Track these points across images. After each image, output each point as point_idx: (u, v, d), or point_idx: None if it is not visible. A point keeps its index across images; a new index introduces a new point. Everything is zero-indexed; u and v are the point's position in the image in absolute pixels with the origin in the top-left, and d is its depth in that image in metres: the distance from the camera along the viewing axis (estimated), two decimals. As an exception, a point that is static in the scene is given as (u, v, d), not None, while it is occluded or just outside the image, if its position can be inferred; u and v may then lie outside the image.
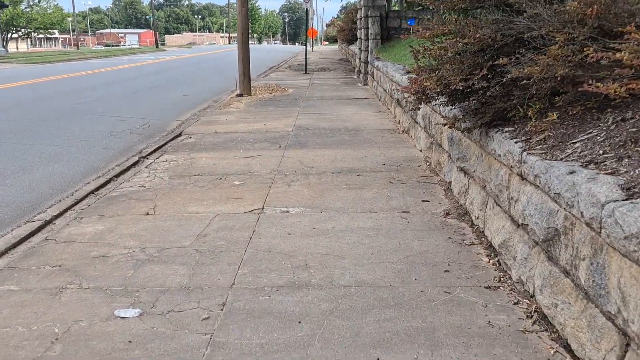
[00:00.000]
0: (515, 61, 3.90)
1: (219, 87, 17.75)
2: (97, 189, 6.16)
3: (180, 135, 9.51)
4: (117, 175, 6.74)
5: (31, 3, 64.16)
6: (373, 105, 13.07)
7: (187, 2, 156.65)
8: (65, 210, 5.34)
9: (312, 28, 48.98)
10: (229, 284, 3.71)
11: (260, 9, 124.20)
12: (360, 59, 19.15)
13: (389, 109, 11.98)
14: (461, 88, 4.06)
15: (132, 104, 13.88)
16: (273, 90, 16.38)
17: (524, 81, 3.62)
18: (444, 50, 4.28)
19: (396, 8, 24.11)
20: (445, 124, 4.47)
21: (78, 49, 66.25)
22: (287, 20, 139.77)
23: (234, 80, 15.76)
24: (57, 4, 67.81)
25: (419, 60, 4.79)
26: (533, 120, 3.85)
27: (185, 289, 3.65)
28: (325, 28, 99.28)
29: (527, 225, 3.46)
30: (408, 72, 10.57)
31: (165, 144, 8.68)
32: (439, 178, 6.25)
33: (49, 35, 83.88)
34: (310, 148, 8.21)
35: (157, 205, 5.45)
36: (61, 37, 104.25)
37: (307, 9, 23.96)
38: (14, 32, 64.16)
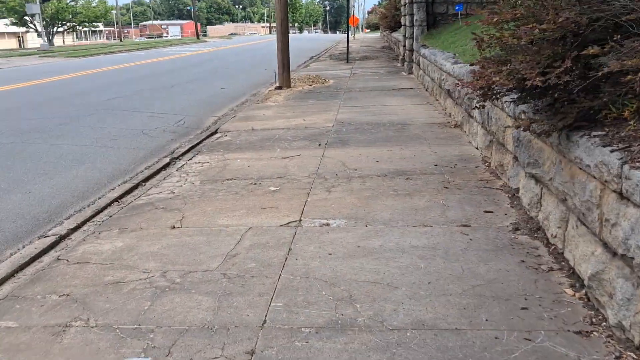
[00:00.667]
0: (610, 50, 3.14)
1: (258, 80, 17.24)
2: (122, 195, 5.69)
3: (215, 132, 9.00)
4: (146, 180, 6.26)
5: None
6: (420, 96, 12.26)
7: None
8: (84, 223, 4.87)
9: (353, 15, 48.03)
10: (259, 323, 3.12)
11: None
12: (404, 46, 18.28)
13: (437, 99, 11.17)
14: (540, 84, 3.31)
15: (168, 98, 13.50)
16: (313, 82, 15.75)
17: (629, 76, 2.85)
18: (517, 39, 3.52)
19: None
20: (518, 127, 3.72)
21: (121, 41, 67.11)
22: (327, 8, 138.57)
23: (273, 72, 15.19)
24: (101, -3, 68.92)
25: (483, 50, 4.06)
26: (632, 123, 3.09)
27: (209, 328, 3.08)
28: (366, 15, 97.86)
29: (633, 258, 2.72)
30: (457, 62, 9.76)
31: (199, 143, 8.18)
32: (502, 182, 5.49)
33: (93, 29, 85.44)
34: (353, 146, 7.55)
35: (184, 216, 4.91)
36: (105, 30, 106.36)
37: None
38: (59, 25, 65.55)
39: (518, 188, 4.90)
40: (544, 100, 3.83)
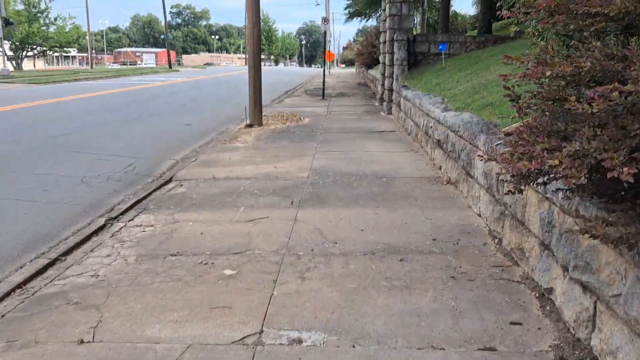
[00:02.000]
0: None
1: (228, 115, 16.00)
2: (30, 278, 4.31)
3: (169, 181, 7.69)
4: (68, 252, 4.90)
5: (47, 22, 63.72)
6: (402, 141, 11.19)
7: (204, 23, 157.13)
8: (-44, 331, 3.48)
9: (329, 51, 47.62)
10: None
11: (277, 30, 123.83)
12: (383, 85, 17.37)
13: (422, 147, 10.11)
14: (630, 180, 2.14)
15: (124, 135, 12.14)
16: (287, 120, 14.60)
17: None
18: (587, 106, 2.35)
19: (417, 32, 22.29)
20: (584, 232, 2.52)
21: (92, 67, 65.43)
22: (304, 42, 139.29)
23: (245, 108, 13.99)
24: (74, 23, 67.44)
25: (525, 115, 2.90)
26: None
27: None
28: (342, 51, 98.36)
29: None
30: (448, 109, 8.73)
31: (147, 196, 6.85)
32: (522, 272, 4.31)
33: (65, 54, 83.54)
34: (331, 205, 6.34)
35: (102, 320, 3.57)
36: (79, 56, 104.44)
37: (324, 31, 22.31)
38: (29, 50, 63.66)
39: (551, 289, 3.72)
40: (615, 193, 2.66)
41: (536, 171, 2.66)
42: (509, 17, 3.57)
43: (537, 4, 2.92)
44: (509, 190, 3.09)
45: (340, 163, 8.92)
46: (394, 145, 10.70)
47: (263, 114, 15.66)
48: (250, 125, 13.35)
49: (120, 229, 5.55)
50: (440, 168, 8.24)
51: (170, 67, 61.20)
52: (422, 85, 12.60)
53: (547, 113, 2.74)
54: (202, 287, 4.09)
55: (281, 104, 20.10)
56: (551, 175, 2.72)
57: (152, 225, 5.63)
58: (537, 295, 3.87)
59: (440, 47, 14.40)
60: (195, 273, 4.34)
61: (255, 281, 4.19)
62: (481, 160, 3.98)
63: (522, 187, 2.96)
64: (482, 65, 11.39)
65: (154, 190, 7.11)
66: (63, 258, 4.74)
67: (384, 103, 16.73)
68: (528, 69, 2.88)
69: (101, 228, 5.57)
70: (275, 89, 29.05)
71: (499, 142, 5.14)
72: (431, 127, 9.00)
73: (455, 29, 26.54)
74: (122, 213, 6.07)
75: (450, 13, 27.97)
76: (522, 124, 2.84)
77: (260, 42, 13.51)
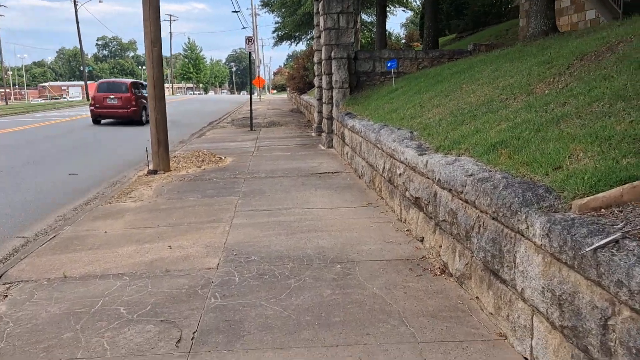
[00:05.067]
0: None
1: (131, 158, 12.72)
2: None
3: (-21, 293, 4.52)
4: None
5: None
6: (353, 188, 8.42)
7: (132, 54, 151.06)
8: None
9: (259, 76, 44.94)
10: None
11: (205, 58, 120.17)
12: (320, 113, 14.68)
13: (382, 197, 7.37)
14: None
15: (-31, 196, 8.72)
16: (203, 161, 11.53)
17: None
18: None
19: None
20: None
21: (7, 104, 59.81)
22: (234, 69, 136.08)
23: (146, 149, 10.82)
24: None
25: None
26: None
27: None
28: (272, 76, 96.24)
29: None
30: (423, 148, 6.02)
31: None
32: None
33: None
34: (252, 348, 3.41)
35: None
36: (3, 91, 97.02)
37: (249, 52, 19.42)
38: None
39: None
40: None
41: None
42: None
43: None
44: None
45: (269, 233, 6.01)
46: (343, 195, 7.88)
47: (174, 153, 12.60)
48: (153, 172, 10.20)
49: None
50: (422, 240, 5.47)
51: (88, 99, 56.57)
52: (372, 112, 9.94)
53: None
54: None
55: (201, 139, 16.98)
56: None
57: None
58: None
59: (389, 65, 11.86)
60: None
61: None
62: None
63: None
64: (449, 84, 8.86)
65: None
66: None
67: (323, 134, 14.01)
68: None
69: None
70: (197, 119, 25.90)
71: (604, 241, 2.38)
72: (400, 174, 6.25)
73: (390, 48, 24.58)
74: None
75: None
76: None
77: (161, 64, 10.44)
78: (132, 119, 22.60)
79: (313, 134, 16.25)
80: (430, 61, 12.84)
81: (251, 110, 19.91)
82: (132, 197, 8.22)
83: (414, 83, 10.66)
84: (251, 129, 18.85)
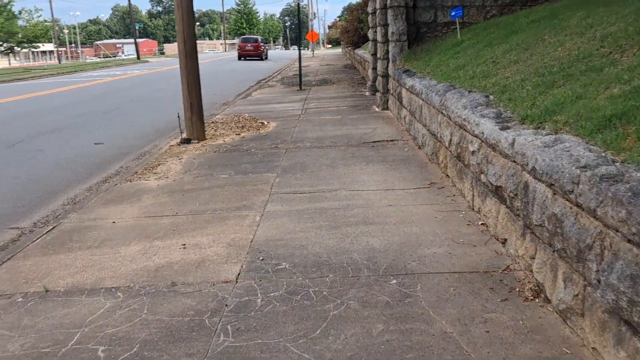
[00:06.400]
0: None
1: (166, 123, 11.75)
2: None
3: None
4: None
5: (10, 16, 58.58)
6: (412, 161, 7.08)
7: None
8: None
9: (312, 31, 43.13)
10: None
11: (258, 13, 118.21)
12: (375, 69, 13.16)
13: (449, 176, 6.01)
14: None
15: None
16: (243, 128, 10.41)
17: None
18: None
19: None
20: None
21: (59, 62, 60.63)
22: (288, 24, 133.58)
23: (178, 115, 9.76)
24: (40, 16, 62.23)
25: None
26: None
27: None
28: (327, 30, 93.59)
29: None
30: (506, 120, 4.59)
31: None
32: None
33: (33, 49, 78.22)
34: None
35: None
36: (60, 50, 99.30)
37: (298, 3, 17.89)
38: (-5, 47, 58.66)
39: None
40: None
41: None
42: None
43: None
44: None
45: (307, 227, 4.83)
46: (399, 172, 6.56)
47: (215, 117, 11.57)
48: (187, 141, 9.17)
49: None
50: (504, 243, 4.14)
51: (138, 57, 56.57)
52: (434, 70, 8.45)
53: None
54: None
55: (246, 100, 15.85)
56: None
57: None
58: None
59: (453, 14, 10.19)
60: None
61: None
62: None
63: None
64: (527, 35, 7.23)
65: None
66: None
67: (377, 94, 12.56)
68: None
69: None
70: (246, 78, 24.75)
71: None
72: (473, 152, 4.87)
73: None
74: None
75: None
76: None
77: (193, 16, 9.26)
78: (260, 57, 44.38)
79: (367, 93, 14.79)
80: (500, 9, 11.02)
81: (300, 67, 18.54)
82: (157, 173, 7.22)
83: (483, 34, 9.00)
84: (300, 88, 17.55)
